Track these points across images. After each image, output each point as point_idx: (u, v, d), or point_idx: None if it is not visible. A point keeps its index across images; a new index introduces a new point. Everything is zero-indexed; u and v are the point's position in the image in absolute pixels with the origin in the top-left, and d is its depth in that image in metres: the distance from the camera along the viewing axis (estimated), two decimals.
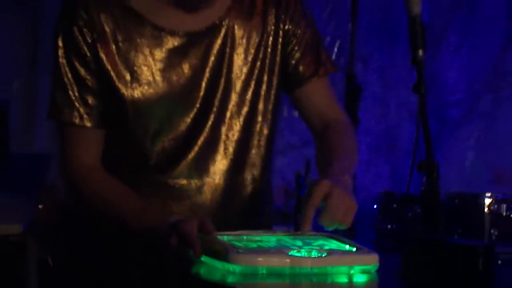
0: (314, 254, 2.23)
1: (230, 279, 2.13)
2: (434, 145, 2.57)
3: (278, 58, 2.72)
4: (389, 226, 5.74)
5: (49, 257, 4.83)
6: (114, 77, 2.58)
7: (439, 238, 2.41)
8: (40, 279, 3.62)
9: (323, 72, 2.78)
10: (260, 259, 2.17)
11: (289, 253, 2.21)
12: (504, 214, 5.61)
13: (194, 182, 2.66)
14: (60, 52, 2.60)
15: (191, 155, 2.65)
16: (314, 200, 2.32)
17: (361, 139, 6.07)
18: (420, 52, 2.56)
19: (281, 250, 2.24)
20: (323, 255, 2.23)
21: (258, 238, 2.38)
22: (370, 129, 6.48)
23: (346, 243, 2.37)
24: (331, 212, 2.32)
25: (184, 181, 2.66)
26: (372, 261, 2.26)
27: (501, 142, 6.76)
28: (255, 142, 2.73)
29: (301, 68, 2.75)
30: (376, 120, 6.58)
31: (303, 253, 2.23)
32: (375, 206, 5.87)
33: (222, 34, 2.66)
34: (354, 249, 2.32)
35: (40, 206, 4.26)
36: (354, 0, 5.38)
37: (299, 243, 2.33)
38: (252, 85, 2.69)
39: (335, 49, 6.43)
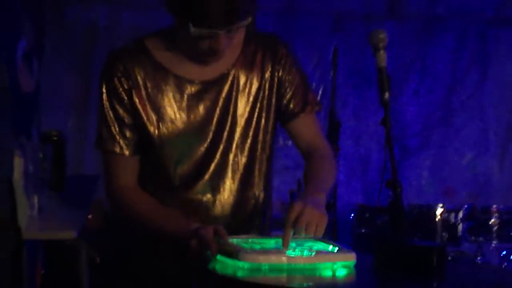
0: (305, 253, 2.27)
1: (240, 273, 2.16)
2: (398, 167, 2.54)
3: (273, 99, 2.69)
4: (363, 231, 5.75)
5: (96, 256, 4.85)
6: (144, 117, 2.57)
7: (403, 240, 2.42)
8: (89, 273, 3.62)
9: (309, 109, 2.74)
10: (263, 257, 2.21)
11: (286, 253, 2.25)
12: (452, 220, 5.63)
13: (208, 198, 2.64)
14: (104, 96, 2.58)
15: (206, 177, 2.63)
16: (289, 222, 2.33)
17: (341, 162, 6.08)
18: (386, 95, 2.53)
19: (279, 250, 2.27)
20: (312, 254, 2.27)
21: (260, 241, 2.40)
22: (348, 155, 6.46)
23: (330, 244, 2.39)
24: (302, 227, 2.33)
25: (200, 197, 2.63)
26: (350, 258, 2.29)
27: (450, 164, 6.77)
28: (257, 166, 2.70)
29: (291, 106, 2.71)
30: (352, 148, 6.57)
31: (297, 252, 2.27)
32: (352, 215, 5.88)
33: (229, 81, 2.62)
34: (336, 249, 2.34)
35: (89, 216, 4.26)
36: (334, 56, 5.40)
37: (293, 244, 2.35)
38: (253, 121, 2.66)
39: (320, 93, 6.40)
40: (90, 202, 4.00)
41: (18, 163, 2.87)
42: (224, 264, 2.25)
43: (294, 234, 2.36)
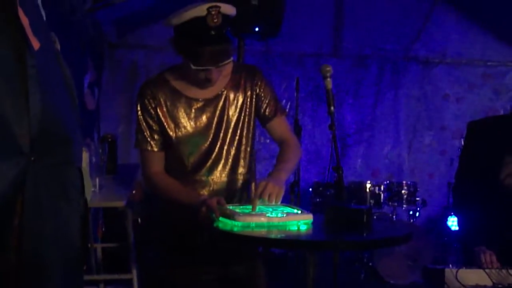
0: (279, 215, 2.27)
1: (235, 229, 2.17)
2: (340, 157, 2.54)
3: (253, 109, 2.67)
4: (318, 200, 5.76)
5: (139, 219, 4.84)
6: (166, 125, 2.57)
7: (343, 205, 2.43)
8: (133, 230, 3.61)
9: (279, 114, 2.72)
10: (250, 218, 2.22)
11: (266, 215, 2.25)
12: (377, 192, 5.65)
13: (211, 178, 2.63)
14: (139, 112, 2.59)
15: (208, 164, 2.62)
16: (255, 194, 2.37)
17: (302, 154, 6.09)
18: (332, 108, 2.54)
19: (262, 213, 2.28)
20: (284, 215, 2.27)
21: (248, 207, 2.38)
22: (307, 149, 6.47)
23: (295, 208, 2.40)
24: (265, 197, 2.36)
25: (205, 178, 2.62)
26: (309, 218, 2.30)
27: (375, 154, 6.77)
28: (242, 155, 2.67)
29: (267, 113, 2.70)
30: (310, 144, 6.56)
31: (274, 214, 2.27)
32: (310, 189, 5.89)
33: (223, 98, 2.62)
34: (300, 211, 2.35)
35: (133, 192, 4.26)
36: (297, 83, 5.41)
37: (270, 209, 2.35)
38: (240, 125, 2.65)
39: (288, 106, 6.40)
40: (134, 183, 4.00)
41: (85, 156, 2.88)
42: (224, 223, 2.26)
43: (262, 202, 2.38)
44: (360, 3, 6.33)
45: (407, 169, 6.76)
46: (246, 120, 2.68)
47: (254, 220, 2.21)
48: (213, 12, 2.39)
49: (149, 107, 2.58)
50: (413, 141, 6.81)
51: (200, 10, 2.39)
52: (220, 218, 2.30)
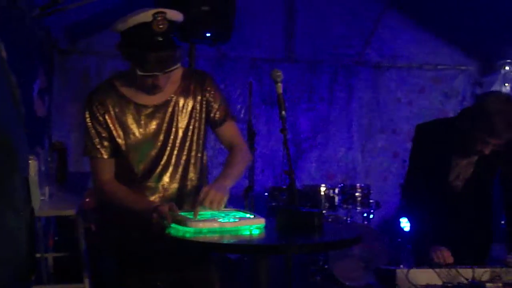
0: (231, 220, 2.27)
1: (187, 235, 2.17)
2: (293, 161, 2.56)
3: (204, 115, 2.68)
4: (273, 204, 5.75)
5: (92, 226, 4.77)
6: (114, 132, 2.56)
7: (295, 208, 2.44)
8: (86, 237, 3.57)
9: (229, 119, 2.73)
10: (202, 224, 2.22)
11: (218, 220, 2.25)
12: (331, 195, 5.68)
13: (161, 185, 2.62)
14: (87, 119, 2.58)
15: (158, 170, 2.62)
16: (198, 202, 2.36)
17: (257, 158, 6.10)
18: (283, 113, 2.54)
19: (214, 218, 2.28)
20: (236, 220, 2.27)
21: (201, 213, 2.36)
22: (262, 153, 6.46)
23: (248, 213, 2.40)
24: (207, 205, 2.35)
25: (154, 184, 2.62)
26: (261, 222, 2.31)
27: (329, 158, 6.82)
28: (192, 161, 2.67)
29: (216, 118, 2.70)
30: (265, 148, 6.54)
31: (226, 219, 2.28)
32: (266, 194, 5.88)
33: (172, 104, 2.61)
34: (252, 216, 2.36)
35: (86, 200, 4.21)
36: (250, 87, 5.42)
37: (223, 214, 2.36)
38: (190, 131, 2.65)
39: (242, 111, 6.42)
40: (86, 190, 3.96)
41: (33, 165, 2.83)
42: (176, 230, 2.25)
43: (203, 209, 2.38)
44: (312, 9, 6.39)
45: (361, 172, 6.82)
46: (196, 126, 2.68)
47: (206, 226, 2.21)
48: (158, 18, 2.39)
49: (98, 114, 2.56)
50: (366, 144, 6.88)
51: (145, 16, 2.39)
52: (172, 225, 2.29)
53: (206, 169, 2.82)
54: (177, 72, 2.62)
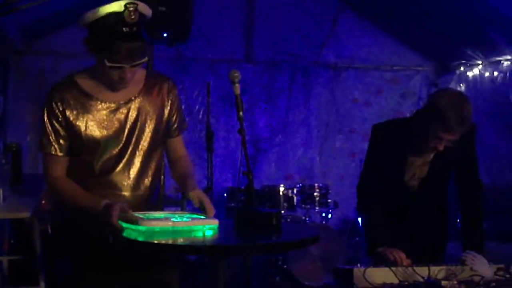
0: (185, 219, 2.27)
1: (140, 238, 2.15)
2: (252, 162, 2.56)
3: (163, 118, 2.67)
4: (232, 205, 5.76)
5: (49, 228, 4.70)
6: (75, 129, 2.52)
7: (253, 209, 2.44)
8: (43, 241, 3.52)
9: (182, 131, 2.77)
10: (155, 223, 2.20)
11: (171, 219, 2.24)
12: (290, 195, 5.71)
13: (118, 184, 2.60)
14: (45, 115, 2.52)
15: (116, 169, 2.59)
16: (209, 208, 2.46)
17: (216, 159, 6.08)
18: (240, 113, 2.55)
19: (167, 218, 2.28)
20: (189, 220, 2.27)
21: (154, 214, 2.38)
22: (220, 154, 6.47)
23: (201, 215, 2.40)
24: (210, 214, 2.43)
25: (114, 181, 2.59)
26: (214, 223, 2.31)
27: (288, 158, 6.86)
28: (152, 165, 2.67)
29: (172, 129, 2.72)
30: (223, 149, 6.56)
31: (179, 219, 2.27)
32: (225, 194, 5.89)
33: (136, 104, 2.60)
34: (205, 217, 2.35)
35: (42, 202, 4.15)
36: (208, 88, 5.40)
37: (176, 215, 2.35)
38: (151, 132, 2.63)
39: (201, 112, 6.42)
40: (41, 192, 3.90)
41: None
42: (128, 230, 2.23)
43: (181, 210, 2.39)
44: (271, 10, 6.41)
45: (319, 172, 6.87)
46: (159, 128, 2.67)
47: (159, 225, 2.20)
48: (130, 8, 2.38)
49: (57, 111, 2.51)
50: (324, 144, 6.94)
51: (117, 6, 2.38)
52: (124, 225, 2.26)
53: (163, 174, 2.82)
54: (141, 73, 2.62)
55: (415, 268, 2.69)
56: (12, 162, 3.91)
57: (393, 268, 2.70)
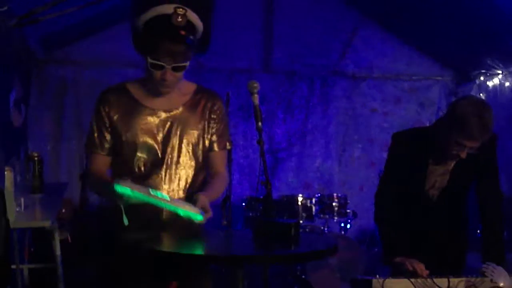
0: (165, 197, 2.36)
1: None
2: (270, 171, 2.56)
3: (205, 134, 2.70)
4: (250, 214, 5.75)
5: (68, 237, 4.74)
6: (118, 130, 2.62)
7: (271, 219, 2.44)
8: (63, 250, 3.54)
9: (225, 148, 2.78)
10: (134, 187, 2.30)
11: (152, 192, 2.35)
12: (309, 204, 5.70)
13: (157, 188, 2.57)
14: (94, 116, 2.66)
15: (155, 175, 2.63)
16: (203, 200, 2.44)
17: (234, 168, 6.08)
18: (259, 124, 2.57)
19: (150, 190, 2.36)
20: (171, 200, 2.37)
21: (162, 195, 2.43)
22: (239, 163, 6.47)
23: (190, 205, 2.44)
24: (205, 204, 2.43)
25: (152, 186, 2.55)
26: (195, 212, 2.37)
27: (306, 167, 6.84)
28: (187, 174, 2.68)
29: (215, 143, 2.73)
30: (242, 159, 6.56)
31: (162, 196, 2.38)
32: (243, 204, 5.88)
33: (178, 114, 2.65)
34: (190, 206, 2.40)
35: (63, 210, 4.18)
36: (227, 98, 5.41)
37: (167, 196, 2.42)
38: (189, 146, 2.67)
39: None
40: (62, 201, 3.93)
41: (9, 176, 2.81)
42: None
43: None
44: (289, 19, 6.41)
45: (337, 182, 6.84)
46: (197, 142, 2.70)
47: (134, 189, 2.28)
48: (179, 12, 2.47)
49: (103, 113, 2.63)
50: (343, 154, 6.91)
51: (167, 8, 2.48)
52: (121, 188, 2.31)
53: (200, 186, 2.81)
54: (189, 85, 2.72)
55: (434, 279, 2.68)
56: (35, 171, 3.95)
57: (412, 279, 2.69)
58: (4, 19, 4.14)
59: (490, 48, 5.89)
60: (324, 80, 6.84)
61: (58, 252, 3.35)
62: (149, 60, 2.49)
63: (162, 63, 2.49)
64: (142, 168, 2.63)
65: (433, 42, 6.50)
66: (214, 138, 2.74)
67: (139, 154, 2.63)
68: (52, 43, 5.93)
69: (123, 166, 2.65)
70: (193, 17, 2.54)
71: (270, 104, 6.67)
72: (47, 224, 3.14)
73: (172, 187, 2.65)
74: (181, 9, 2.48)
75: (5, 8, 3.89)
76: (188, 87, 2.71)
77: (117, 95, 2.65)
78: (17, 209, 3.16)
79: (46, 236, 4.17)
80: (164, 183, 2.64)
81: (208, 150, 2.74)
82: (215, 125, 2.73)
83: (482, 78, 6.57)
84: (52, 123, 6.08)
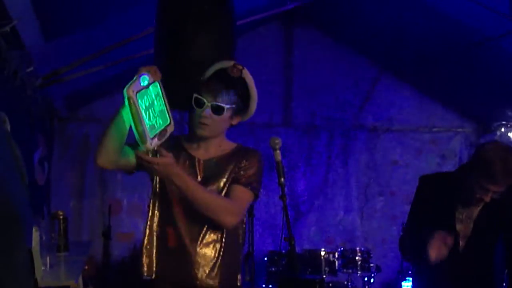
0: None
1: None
2: (294, 224, 2.58)
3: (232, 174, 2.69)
4: (273, 269, 5.72)
5: None
6: None
7: (296, 275, 2.45)
8: None
9: (248, 186, 2.71)
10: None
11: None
12: (331, 259, 5.66)
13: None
14: None
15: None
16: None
17: (256, 223, 6.07)
18: (282, 179, 2.61)
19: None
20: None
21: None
22: (261, 218, 6.45)
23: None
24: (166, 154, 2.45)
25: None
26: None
27: (328, 221, 6.81)
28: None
29: (241, 178, 2.69)
30: (264, 214, 6.54)
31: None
32: (265, 258, 5.86)
33: (213, 163, 2.68)
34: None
35: (86, 267, 4.20)
36: None
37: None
38: (226, 185, 2.66)
39: None
40: (86, 259, 3.95)
41: (35, 235, 2.85)
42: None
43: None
44: (309, 74, 6.51)
45: (360, 235, 6.80)
46: (227, 184, 2.69)
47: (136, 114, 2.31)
48: (236, 66, 2.64)
49: None
50: (364, 207, 6.90)
51: (228, 63, 2.66)
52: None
53: (239, 245, 2.83)
54: (230, 144, 2.79)
55: None
56: (60, 230, 4.00)
57: None
58: (30, 80, 4.26)
59: (511, 99, 5.91)
60: (344, 133, 6.88)
61: None
62: (194, 94, 2.59)
63: (203, 98, 2.57)
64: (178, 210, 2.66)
65: (453, 94, 6.55)
66: (241, 173, 2.70)
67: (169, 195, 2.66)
68: (76, 101, 6.05)
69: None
70: (248, 76, 2.68)
71: (291, 157, 6.70)
72: (72, 283, 3.17)
73: (202, 240, 2.66)
74: (238, 65, 2.64)
75: (31, 69, 4.01)
76: (228, 145, 2.77)
77: (169, 142, 2.56)
78: (43, 268, 3.19)
79: None
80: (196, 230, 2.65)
81: (231, 182, 2.69)
82: (243, 168, 2.70)
83: (503, 130, 6.58)
84: (75, 180, 6.16)
